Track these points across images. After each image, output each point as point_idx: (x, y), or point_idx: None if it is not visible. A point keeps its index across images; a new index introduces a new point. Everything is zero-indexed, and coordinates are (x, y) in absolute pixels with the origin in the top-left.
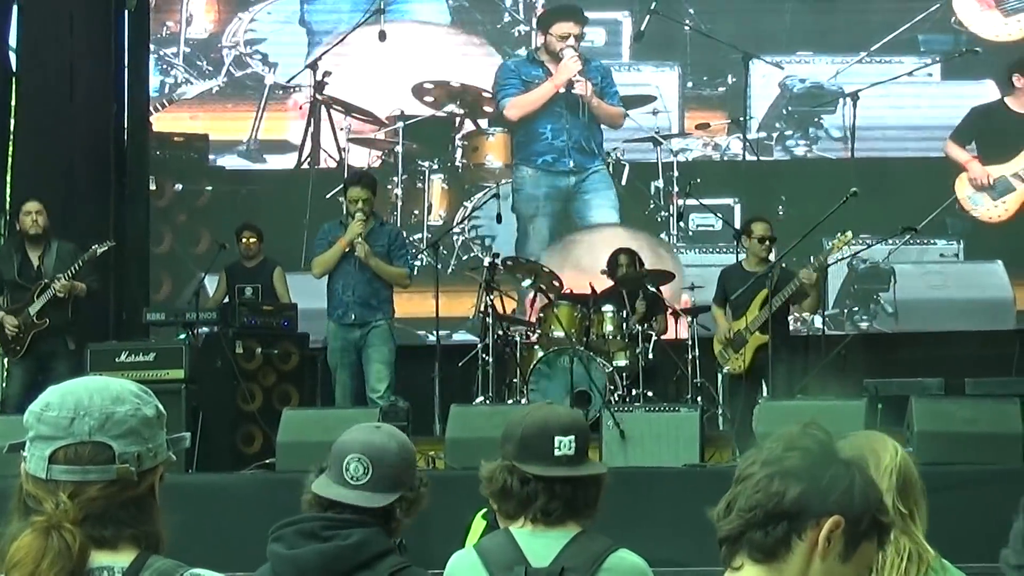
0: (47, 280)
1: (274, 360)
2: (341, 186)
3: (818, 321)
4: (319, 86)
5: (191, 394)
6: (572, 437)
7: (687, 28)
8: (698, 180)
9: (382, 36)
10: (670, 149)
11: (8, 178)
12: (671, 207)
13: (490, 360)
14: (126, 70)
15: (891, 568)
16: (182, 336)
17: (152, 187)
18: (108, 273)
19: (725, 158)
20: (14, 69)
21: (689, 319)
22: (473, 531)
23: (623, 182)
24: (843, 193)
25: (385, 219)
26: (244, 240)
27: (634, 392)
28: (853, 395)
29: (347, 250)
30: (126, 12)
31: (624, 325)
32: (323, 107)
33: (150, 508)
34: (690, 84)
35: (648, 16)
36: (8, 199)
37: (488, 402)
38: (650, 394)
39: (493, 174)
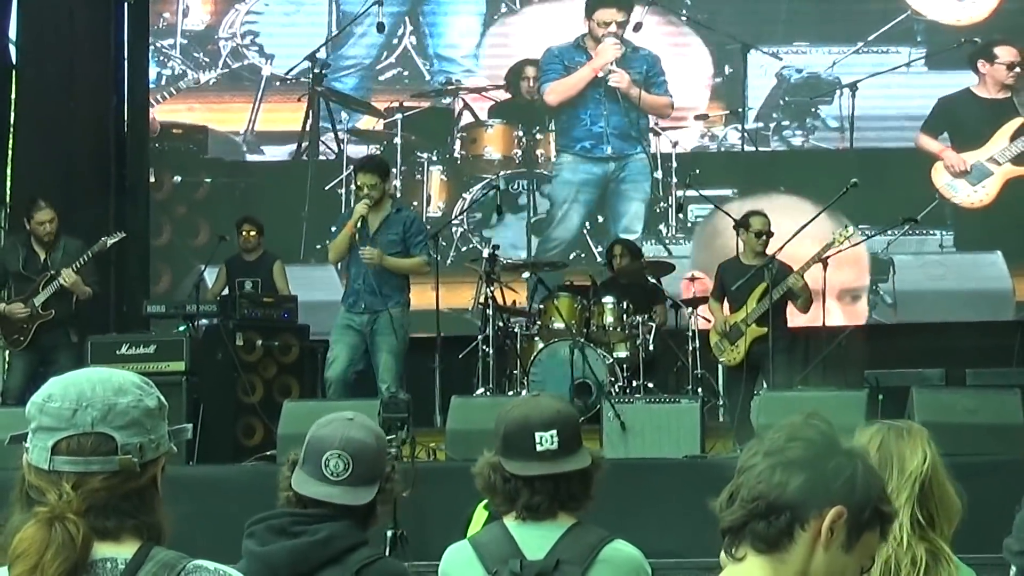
0: (53, 272)
1: (275, 352)
2: (352, 169)
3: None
4: (318, 78)
5: (192, 386)
6: (554, 432)
7: (684, 18)
8: (697, 171)
9: (380, 28)
10: (669, 140)
11: (8, 171)
12: (670, 198)
13: (490, 351)
14: (126, 62)
15: None
16: (182, 328)
17: (151, 179)
18: (109, 266)
19: (722, 149)
20: (14, 62)
21: (689, 310)
22: (475, 522)
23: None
24: (842, 184)
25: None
26: (244, 233)
27: (635, 383)
28: (853, 386)
29: (355, 235)
30: (125, 4)
31: (624, 316)
32: (321, 99)
33: (152, 499)
34: (668, 84)
35: (646, 7)
36: (8, 192)
37: (488, 393)
38: (651, 385)
39: (492, 166)
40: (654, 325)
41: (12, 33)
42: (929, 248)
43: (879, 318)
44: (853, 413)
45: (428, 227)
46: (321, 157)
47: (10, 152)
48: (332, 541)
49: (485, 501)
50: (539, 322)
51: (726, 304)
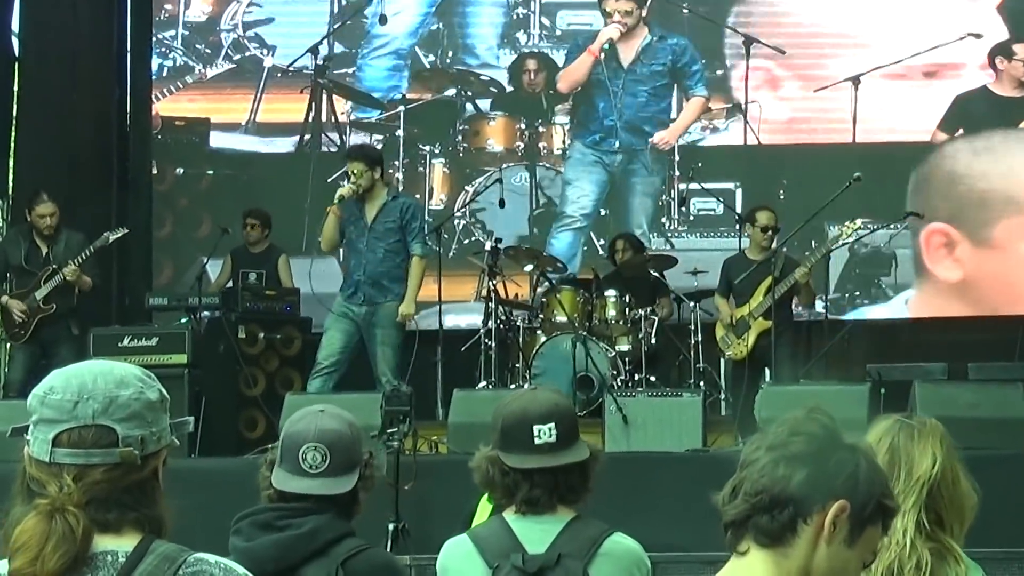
0: (55, 266)
1: (277, 345)
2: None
3: (820, 306)
4: (320, 70)
5: (194, 379)
6: (552, 424)
7: (686, 11)
8: (699, 164)
9: (383, 20)
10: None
11: (11, 163)
12: (672, 191)
13: (493, 345)
14: (128, 54)
15: None
16: (184, 321)
17: (153, 171)
18: (111, 258)
19: (724, 142)
20: (16, 54)
21: (692, 303)
22: (480, 513)
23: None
24: (844, 177)
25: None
26: (248, 227)
27: (637, 377)
28: (856, 380)
29: (342, 223)
30: None
31: (627, 310)
32: (324, 91)
33: (154, 492)
34: (706, 72)
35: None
36: (11, 184)
37: (491, 387)
38: (653, 379)
39: (494, 158)
40: (656, 319)
41: (15, 25)
42: None
43: (881, 312)
44: (855, 407)
45: (429, 218)
46: (323, 149)
47: (12, 144)
48: (317, 533)
49: None
50: (541, 315)
51: (731, 300)
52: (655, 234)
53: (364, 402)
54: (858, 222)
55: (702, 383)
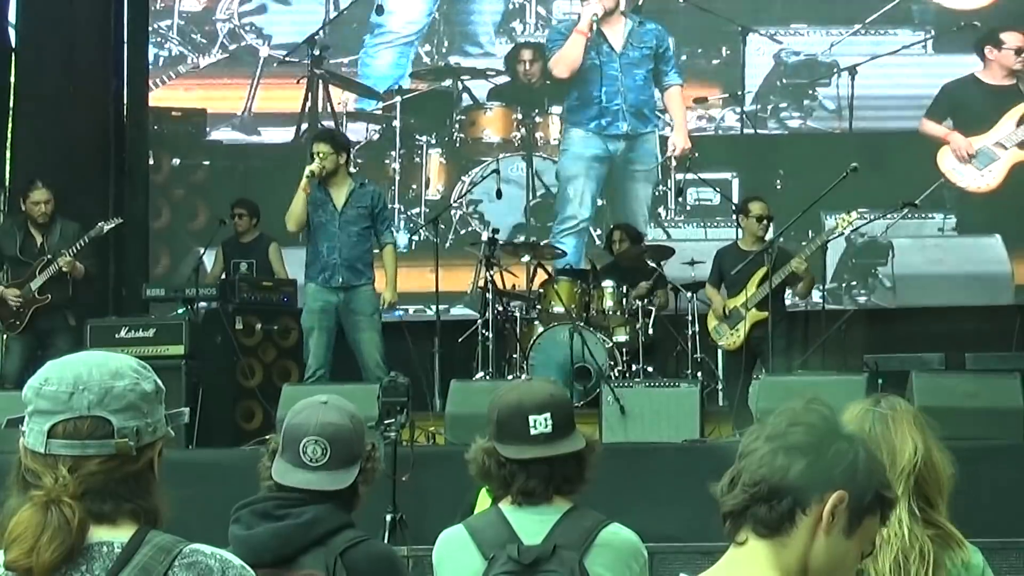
0: (50, 256)
1: (274, 336)
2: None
3: (816, 296)
4: (317, 60)
5: (191, 370)
6: (547, 415)
7: (682, 1)
8: (696, 154)
9: (379, 10)
10: (667, 123)
11: (8, 154)
12: (669, 181)
13: (490, 335)
14: (125, 45)
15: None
16: (182, 312)
17: (150, 162)
18: (108, 249)
19: (719, 131)
20: (13, 45)
21: (689, 294)
22: (480, 504)
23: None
24: (841, 167)
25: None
26: (236, 217)
27: (634, 367)
28: (853, 370)
29: (310, 207)
30: None
31: (624, 300)
32: (320, 81)
33: (149, 483)
34: (684, 57)
35: None
36: (8, 175)
37: (488, 377)
38: (650, 369)
39: (491, 149)
40: (653, 309)
41: (12, 16)
42: (928, 231)
43: (878, 302)
44: (852, 397)
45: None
46: None
47: (9, 136)
48: (316, 523)
49: None
50: (539, 306)
51: (723, 290)
52: (652, 224)
53: (361, 393)
54: (855, 214)
55: (699, 373)
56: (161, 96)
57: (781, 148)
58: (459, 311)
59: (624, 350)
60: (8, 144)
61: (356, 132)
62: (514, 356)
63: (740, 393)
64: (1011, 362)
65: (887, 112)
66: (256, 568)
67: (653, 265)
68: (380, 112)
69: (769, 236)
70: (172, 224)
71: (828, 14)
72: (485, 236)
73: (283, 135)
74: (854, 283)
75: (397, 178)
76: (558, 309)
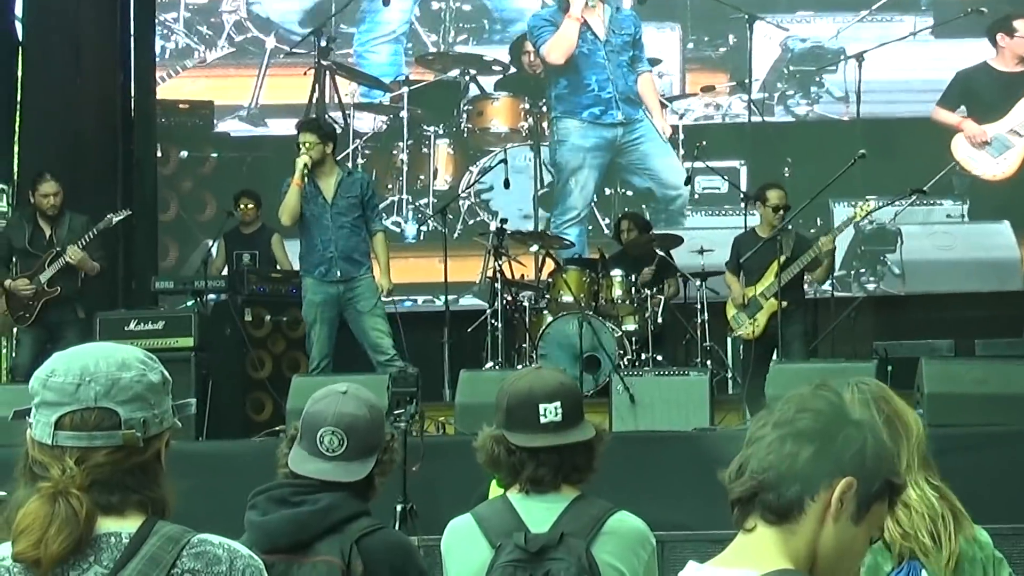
0: (59, 248)
1: (283, 327)
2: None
3: (826, 284)
4: (323, 51)
5: (200, 362)
6: (558, 403)
7: None
8: (704, 143)
9: (386, 1)
10: (675, 111)
11: (15, 148)
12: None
13: (499, 325)
14: (132, 38)
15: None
16: (191, 304)
17: (158, 154)
18: (117, 242)
19: (727, 119)
20: (20, 39)
21: (698, 283)
22: (492, 495)
23: None
24: (849, 154)
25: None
26: (242, 207)
27: (643, 356)
28: (863, 357)
29: (305, 200)
30: None
31: (633, 289)
32: (327, 72)
33: (156, 474)
34: (691, 45)
35: None
36: (15, 169)
37: (497, 367)
38: (659, 358)
39: (499, 139)
40: (663, 298)
41: (18, 10)
42: (936, 218)
43: (887, 289)
44: None
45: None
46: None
47: (17, 129)
48: (332, 510)
49: None
50: (548, 295)
51: (742, 277)
52: (661, 212)
53: (370, 383)
54: (871, 203)
55: (709, 362)
56: (168, 88)
57: (788, 136)
58: (468, 301)
59: (633, 339)
60: (16, 138)
61: (364, 123)
62: (523, 346)
63: (753, 382)
64: (1020, 348)
65: (894, 99)
66: (272, 554)
67: (661, 254)
68: (388, 103)
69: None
70: (180, 216)
71: (834, 1)
72: (493, 226)
73: (290, 127)
74: (863, 270)
75: (405, 168)
76: (567, 298)
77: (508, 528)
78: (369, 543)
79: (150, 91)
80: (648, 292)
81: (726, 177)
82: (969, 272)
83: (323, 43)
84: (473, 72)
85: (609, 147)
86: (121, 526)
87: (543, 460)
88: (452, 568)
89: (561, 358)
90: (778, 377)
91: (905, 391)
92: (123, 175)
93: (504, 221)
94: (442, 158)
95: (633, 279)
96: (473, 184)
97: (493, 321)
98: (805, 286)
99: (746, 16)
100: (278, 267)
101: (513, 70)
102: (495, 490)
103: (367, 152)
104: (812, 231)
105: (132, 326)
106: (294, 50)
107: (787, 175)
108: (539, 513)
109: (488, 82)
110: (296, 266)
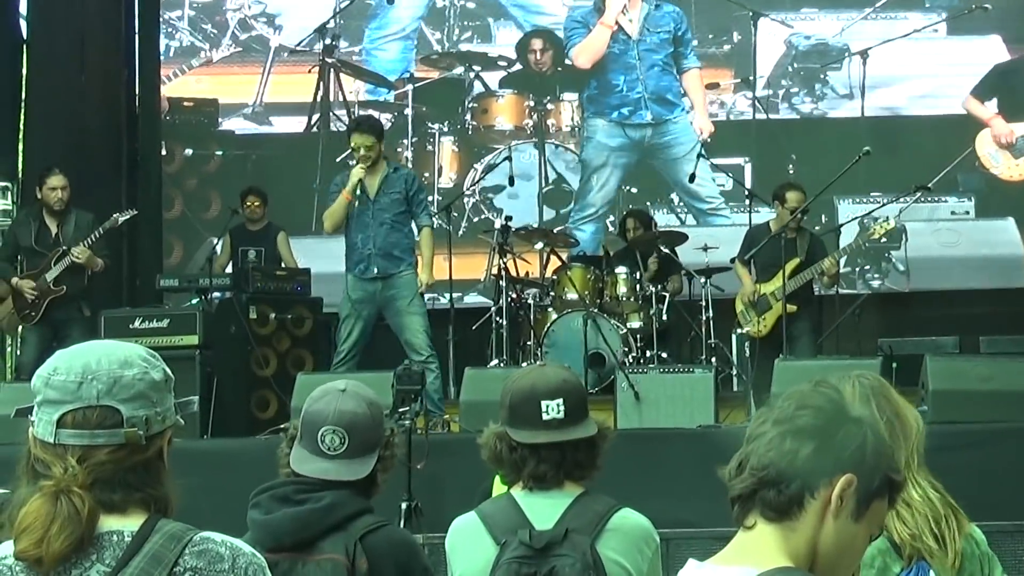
0: (65, 247)
1: (288, 325)
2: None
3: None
4: (328, 50)
5: (205, 360)
6: (560, 400)
7: None
8: (708, 140)
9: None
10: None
11: (20, 147)
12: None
13: (504, 323)
14: (136, 36)
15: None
16: (195, 302)
17: (162, 152)
18: (121, 240)
19: (731, 117)
20: (25, 37)
21: (703, 279)
22: (496, 491)
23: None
24: (853, 151)
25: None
26: (249, 204)
27: (648, 353)
28: (868, 354)
29: (353, 200)
30: None
31: (638, 287)
32: (332, 70)
33: (159, 472)
34: (696, 42)
35: None
36: (20, 167)
37: (502, 365)
38: (664, 355)
39: (503, 136)
40: (667, 295)
41: (23, 8)
42: (941, 215)
43: (892, 285)
44: None
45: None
46: (332, 128)
47: (22, 128)
48: (335, 508)
49: None
50: (552, 293)
51: (753, 272)
52: (665, 210)
53: (374, 381)
54: (892, 221)
55: (713, 359)
56: (173, 86)
57: (793, 133)
58: (473, 299)
59: (638, 336)
60: (20, 136)
61: (363, 115)
62: (528, 343)
63: (759, 380)
64: None
65: (899, 96)
66: (276, 552)
67: (666, 251)
68: (392, 101)
69: (801, 227)
70: (185, 214)
71: None
72: (498, 223)
73: (295, 124)
74: (868, 267)
75: (409, 166)
76: (572, 296)
77: (512, 525)
78: (373, 540)
79: (155, 89)
80: (653, 289)
81: (731, 174)
82: (974, 269)
83: (327, 41)
84: (478, 69)
85: (635, 148)
86: (123, 524)
87: (544, 456)
88: (457, 566)
89: (566, 355)
90: (784, 374)
91: (910, 388)
92: (128, 173)
93: (509, 218)
94: (446, 155)
95: (638, 276)
96: (478, 182)
97: (498, 319)
98: (813, 284)
99: (751, 13)
100: (283, 265)
101: (519, 66)
102: (499, 486)
103: None
104: (816, 228)
105: (137, 324)
106: (298, 48)
107: (792, 172)
108: (543, 510)
109: (493, 79)
110: (301, 265)
